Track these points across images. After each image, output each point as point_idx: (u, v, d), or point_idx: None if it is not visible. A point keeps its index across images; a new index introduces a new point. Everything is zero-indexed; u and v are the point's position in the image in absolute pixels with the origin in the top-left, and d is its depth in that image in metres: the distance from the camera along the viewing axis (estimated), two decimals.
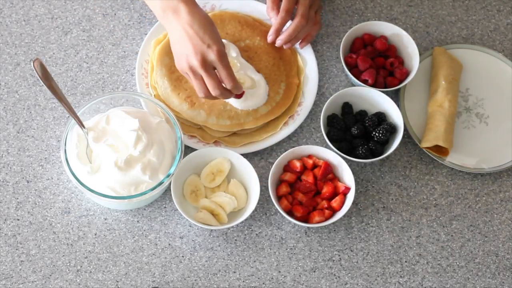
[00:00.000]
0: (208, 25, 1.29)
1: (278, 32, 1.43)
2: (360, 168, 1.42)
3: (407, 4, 1.56)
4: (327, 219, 1.32)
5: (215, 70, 1.30)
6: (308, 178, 1.35)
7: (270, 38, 1.44)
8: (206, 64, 1.28)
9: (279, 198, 1.35)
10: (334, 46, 1.51)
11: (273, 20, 1.44)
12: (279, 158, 1.34)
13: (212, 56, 1.27)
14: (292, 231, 1.36)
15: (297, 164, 1.35)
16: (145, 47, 1.45)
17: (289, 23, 1.44)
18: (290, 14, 1.43)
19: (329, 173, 1.35)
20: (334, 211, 1.33)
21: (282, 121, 1.43)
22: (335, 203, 1.33)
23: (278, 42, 1.43)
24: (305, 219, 1.33)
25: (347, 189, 1.33)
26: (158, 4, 1.30)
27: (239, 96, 1.38)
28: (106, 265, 1.32)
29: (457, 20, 1.55)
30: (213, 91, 1.30)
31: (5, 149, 1.39)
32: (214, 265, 1.33)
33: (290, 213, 1.33)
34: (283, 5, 1.42)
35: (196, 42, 1.27)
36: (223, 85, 1.31)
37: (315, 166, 1.36)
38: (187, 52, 1.28)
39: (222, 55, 1.28)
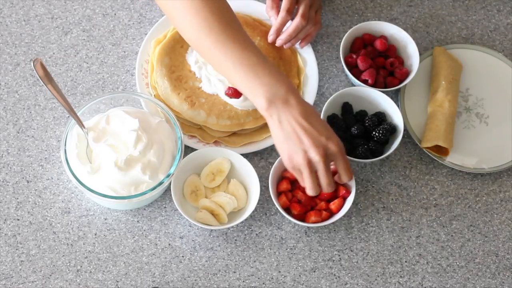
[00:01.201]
0: (319, 116, 1.22)
1: (278, 32, 1.43)
2: (360, 168, 1.42)
3: (407, 4, 1.56)
4: (323, 220, 1.32)
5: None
6: None
7: (270, 38, 1.44)
8: (327, 158, 1.20)
9: (278, 194, 1.35)
10: (334, 46, 1.51)
11: (273, 19, 1.44)
12: None
13: (333, 148, 1.20)
14: (292, 231, 1.36)
15: None
16: (145, 47, 1.45)
17: (289, 23, 1.44)
18: (290, 14, 1.43)
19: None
20: (332, 213, 1.33)
21: None
22: (333, 205, 1.33)
23: (279, 42, 1.43)
24: (302, 218, 1.33)
25: (347, 192, 1.33)
26: (263, 94, 1.19)
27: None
28: (106, 265, 1.32)
29: (457, 20, 1.55)
30: (328, 186, 1.23)
31: (5, 149, 1.39)
32: (214, 265, 1.33)
33: (287, 210, 1.33)
34: (284, 5, 1.42)
35: (315, 135, 1.19)
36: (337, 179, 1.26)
37: None
38: (304, 147, 1.19)
39: (342, 147, 1.22)
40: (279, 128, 1.20)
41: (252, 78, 1.20)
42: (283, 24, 1.43)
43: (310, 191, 1.23)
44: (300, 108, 1.19)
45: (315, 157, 1.19)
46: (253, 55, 1.21)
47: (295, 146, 1.19)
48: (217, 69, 1.25)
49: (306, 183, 1.23)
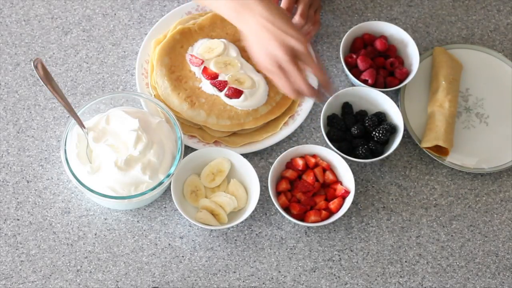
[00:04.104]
0: (287, 17, 1.24)
1: None
2: (360, 168, 1.42)
3: (407, 4, 1.56)
4: (323, 219, 1.32)
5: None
6: (308, 178, 1.35)
7: None
8: (293, 56, 1.22)
9: (278, 194, 1.35)
10: (334, 46, 1.51)
11: None
12: (282, 155, 1.34)
13: (298, 46, 1.22)
14: (292, 231, 1.36)
15: (300, 162, 1.35)
16: (145, 47, 1.45)
17: None
18: (289, 13, 1.42)
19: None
20: (331, 213, 1.33)
21: (282, 121, 1.43)
22: (332, 205, 1.33)
23: None
24: (301, 217, 1.33)
25: (347, 192, 1.33)
26: (228, 5, 1.24)
27: (321, 97, 1.31)
28: (106, 265, 1.32)
29: (457, 20, 1.55)
30: (301, 85, 1.24)
31: (5, 149, 1.39)
32: (214, 265, 1.33)
33: (287, 210, 1.34)
34: (283, 4, 1.42)
35: (279, 35, 1.21)
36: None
37: (316, 165, 1.36)
38: (270, 48, 1.22)
39: (308, 45, 1.24)
40: (247, 33, 1.25)
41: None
42: None
43: (289, 92, 1.25)
44: (266, 12, 1.22)
45: (281, 56, 1.22)
46: None
47: (262, 48, 1.23)
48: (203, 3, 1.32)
49: (280, 82, 1.25)
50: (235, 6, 1.24)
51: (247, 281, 1.33)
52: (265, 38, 1.22)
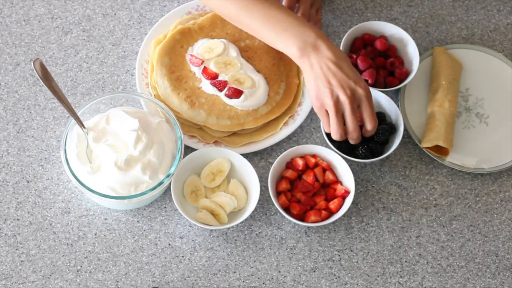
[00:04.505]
0: (349, 61, 1.28)
1: None
2: (360, 168, 1.42)
3: (407, 4, 1.56)
4: (323, 219, 1.32)
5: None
6: (308, 178, 1.35)
7: None
8: (354, 101, 1.26)
9: (278, 194, 1.35)
10: None
11: None
12: (282, 155, 1.34)
13: (360, 91, 1.26)
14: (292, 231, 1.36)
15: (300, 162, 1.35)
16: (145, 47, 1.45)
17: None
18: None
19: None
20: (331, 213, 1.33)
21: (282, 121, 1.43)
22: (332, 205, 1.33)
23: None
24: (301, 217, 1.33)
25: (347, 192, 1.33)
26: (295, 43, 1.26)
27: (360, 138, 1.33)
28: (106, 265, 1.32)
29: (457, 20, 1.55)
30: (354, 131, 1.29)
31: (5, 149, 1.39)
32: (214, 265, 1.33)
33: (287, 210, 1.34)
34: (284, 2, 1.42)
35: (342, 77, 1.25)
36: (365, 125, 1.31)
37: (316, 165, 1.36)
38: (332, 87, 1.25)
39: (369, 92, 1.28)
40: (311, 71, 1.27)
41: (281, 32, 1.27)
42: None
43: (335, 133, 1.29)
44: (330, 52, 1.25)
45: (342, 96, 1.25)
46: (279, 11, 1.28)
47: (323, 87, 1.26)
48: (249, 31, 1.32)
49: (332, 123, 1.28)
50: (300, 44, 1.26)
51: (247, 281, 1.33)
52: (327, 78, 1.25)
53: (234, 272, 1.33)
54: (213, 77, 1.40)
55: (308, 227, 1.36)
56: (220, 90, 1.40)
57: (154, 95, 1.41)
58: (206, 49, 1.43)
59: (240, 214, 1.34)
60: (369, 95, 1.28)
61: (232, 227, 1.36)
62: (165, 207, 1.37)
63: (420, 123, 1.44)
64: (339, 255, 1.35)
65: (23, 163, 1.38)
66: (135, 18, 1.51)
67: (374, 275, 1.34)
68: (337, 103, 1.26)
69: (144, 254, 1.33)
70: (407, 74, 1.44)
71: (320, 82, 1.26)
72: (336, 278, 1.34)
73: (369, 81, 1.42)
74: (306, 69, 1.28)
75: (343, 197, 1.34)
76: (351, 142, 1.32)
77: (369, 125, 1.30)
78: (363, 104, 1.28)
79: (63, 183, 1.37)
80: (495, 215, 1.40)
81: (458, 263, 1.36)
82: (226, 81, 1.39)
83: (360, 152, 1.36)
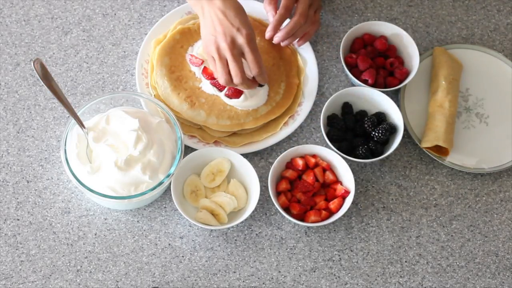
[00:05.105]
0: (239, 11, 1.31)
1: (276, 29, 1.43)
2: (360, 168, 1.42)
3: (407, 4, 1.56)
4: (323, 219, 1.32)
5: (241, 58, 1.32)
6: (308, 178, 1.35)
7: (268, 34, 1.44)
8: (234, 47, 1.31)
9: (278, 194, 1.35)
10: (334, 46, 1.51)
11: (269, 15, 1.44)
12: (282, 155, 1.34)
13: (241, 39, 1.30)
14: (292, 231, 1.36)
15: (300, 162, 1.35)
16: (145, 47, 1.45)
17: (287, 21, 1.44)
18: (289, 12, 1.42)
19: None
20: (331, 213, 1.33)
21: (282, 121, 1.43)
22: (332, 205, 1.33)
23: (276, 39, 1.43)
24: (301, 217, 1.33)
25: (347, 192, 1.33)
26: None
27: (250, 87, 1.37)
28: (106, 265, 1.32)
29: (457, 20, 1.55)
30: (236, 77, 1.32)
31: (5, 149, 1.39)
32: (214, 265, 1.33)
33: (287, 210, 1.34)
34: (283, 2, 1.42)
35: (226, 25, 1.30)
36: (248, 72, 1.34)
37: (316, 165, 1.36)
38: (216, 34, 1.31)
39: (252, 39, 1.31)
40: (203, 20, 1.34)
41: None
42: (281, 21, 1.43)
43: (220, 78, 1.33)
44: (221, 3, 1.30)
45: (222, 44, 1.30)
46: None
47: (209, 34, 1.32)
48: None
49: (217, 69, 1.33)
50: None
51: (247, 281, 1.33)
52: (214, 26, 1.31)
53: (234, 272, 1.33)
54: (213, 77, 1.40)
55: (308, 227, 1.36)
56: (220, 90, 1.40)
57: (154, 95, 1.41)
58: None
59: (240, 214, 1.34)
60: (250, 42, 1.31)
61: (232, 227, 1.36)
62: (165, 207, 1.37)
63: (420, 123, 1.44)
64: (339, 255, 1.35)
65: (23, 163, 1.38)
66: (135, 18, 1.51)
67: (374, 275, 1.34)
68: (218, 50, 1.31)
69: (144, 254, 1.33)
70: (407, 74, 1.44)
71: (207, 30, 1.32)
72: (336, 278, 1.34)
73: (369, 81, 1.42)
74: (200, 18, 1.34)
75: (343, 197, 1.34)
76: (241, 88, 1.36)
77: (253, 71, 1.34)
78: (244, 50, 1.31)
79: (63, 183, 1.37)
80: (495, 215, 1.40)
81: (458, 263, 1.36)
82: None
83: (360, 152, 1.36)
